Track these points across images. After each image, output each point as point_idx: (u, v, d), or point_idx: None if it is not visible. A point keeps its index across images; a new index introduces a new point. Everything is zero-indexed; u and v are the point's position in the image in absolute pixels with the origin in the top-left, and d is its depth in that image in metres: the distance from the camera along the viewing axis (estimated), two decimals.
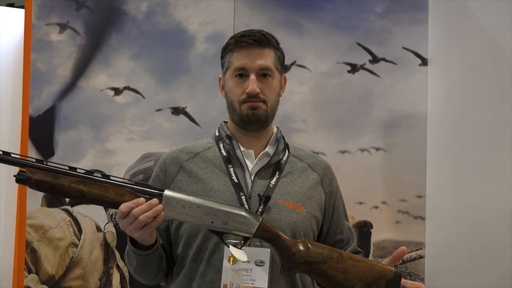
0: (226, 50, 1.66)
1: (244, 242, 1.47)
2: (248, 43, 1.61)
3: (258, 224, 1.45)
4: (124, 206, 1.41)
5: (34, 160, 1.42)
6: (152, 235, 1.49)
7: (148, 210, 1.41)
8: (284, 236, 1.48)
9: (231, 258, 1.47)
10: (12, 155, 1.41)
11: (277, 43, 1.67)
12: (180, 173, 1.64)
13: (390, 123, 2.65)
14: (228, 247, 1.47)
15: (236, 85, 1.62)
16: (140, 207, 1.40)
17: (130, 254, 1.56)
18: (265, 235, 1.47)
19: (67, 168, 1.43)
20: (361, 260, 1.49)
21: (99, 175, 1.44)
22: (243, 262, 1.49)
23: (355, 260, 1.48)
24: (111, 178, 1.45)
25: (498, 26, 2.48)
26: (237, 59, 1.62)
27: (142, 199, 1.41)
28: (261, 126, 1.63)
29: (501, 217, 2.43)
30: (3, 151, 1.41)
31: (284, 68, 1.73)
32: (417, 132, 2.62)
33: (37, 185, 1.41)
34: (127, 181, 1.45)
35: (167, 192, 1.44)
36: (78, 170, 1.43)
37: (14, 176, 1.41)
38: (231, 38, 1.66)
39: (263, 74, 1.61)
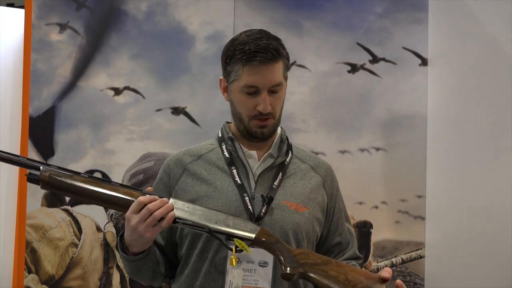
0: (234, 59, 1.58)
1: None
2: (261, 62, 1.54)
3: (259, 228, 1.48)
4: (144, 197, 1.44)
5: (56, 167, 1.46)
6: (151, 243, 1.50)
7: (161, 206, 1.44)
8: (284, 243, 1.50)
9: (233, 260, 1.48)
10: (28, 158, 1.47)
11: (284, 47, 1.61)
12: (183, 175, 1.64)
13: (390, 123, 2.65)
14: (230, 249, 1.47)
15: (246, 100, 1.58)
16: (154, 203, 1.43)
17: (123, 261, 1.57)
18: (267, 239, 1.48)
19: (80, 172, 1.48)
20: (358, 269, 1.57)
21: (110, 181, 1.49)
22: (246, 262, 1.50)
23: (352, 267, 1.55)
24: (122, 184, 1.50)
25: (498, 26, 2.48)
26: (248, 75, 1.56)
27: (156, 196, 1.45)
28: (267, 138, 1.64)
29: (501, 217, 2.43)
30: (19, 156, 1.46)
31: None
32: (417, 132, 2.62)
33: (49, 183, 1.43)
34: (139, 189, 1.49)
35: (173, 199, 1.48)
36: (91, 177, 1.48)
37: (26, 175, 1.44)
38: (240, 49, 1.56)
39: (275, 90, 1.59)
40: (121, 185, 1.48)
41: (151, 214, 1.42)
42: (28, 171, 1.44)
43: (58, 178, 1.43)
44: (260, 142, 1.64)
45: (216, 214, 1.48)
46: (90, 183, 1.45)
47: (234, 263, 1.48)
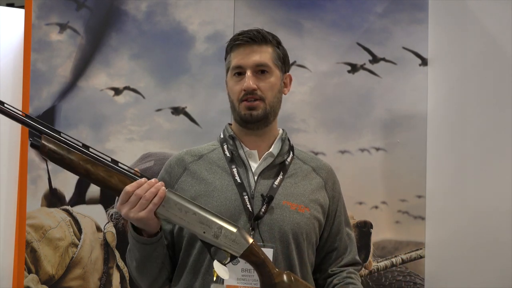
0: (226, 51, 1.67)
1: (230, 259, 1.46)
2: (244, 41, 1.61)
3: (247, 246, 1.45)
4: (129, 186, 1.43)
5: (52, 129, 1.44)
6: (156, 222, 1.48)
7: (150, 188, 1.43)
8: (271, 264, 1.47)
9: (215, 273, 1.46)
10: (34, 118, 1.44)
11: (277, 42, 1.67)
12: (184, 174, 1.64)
13: (390, 123, 2.65)
14: (213, 259, 1.46)
15: (235, 83, 1.62)
16: (142, 187, 1.43)
17: (133, 248, 1.54)
18: (252, 259, 1.46)
19: (81, 144, 1.45)
20: None
21: (109, 159, 1.46)
22: (245, 262, 1.49)
23: None
24: (119, 164, 1.47)
25: (498, 26, 2.48)
26: (234, 58, 1.63)
27: (144, 179, 1.44)
28: (262, 124, 1.63)
29: (501, 217, 2.43)
30: (26, 114, 1.44)
31: (288, 67, 1.72)
32: (417, 132, 2.62)
33: (48, 154, 1.43)
34: (133, 171, 1.47)
35: (167, 193, 1.45)
36: (90, 150, 1.46)
37: (29, 139, 1.43)
38: (231, 39, 1.66)
39: (261, 70, 1.61)
40: (120, 169, 1.46)
41: (140, 198, 1.42)
42: (30, 139, 1.43)
43: (57, 154, 1.42)
44: (255, 129, 1.62)
45: (209, 221, 1.44)
46: (88, 163, 1.43)
47: (214, 277, 1.47)
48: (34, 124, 1.43)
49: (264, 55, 1.61)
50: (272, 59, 1.63)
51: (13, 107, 1.43)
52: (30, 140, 1.43)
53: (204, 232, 1.44)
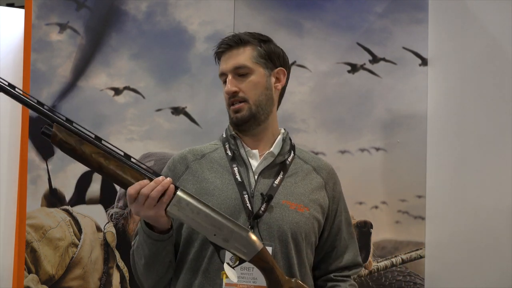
0: (216, 61, 1.71)
1: (239, 262, 1.45)
2: (224, 48, 1.65)
3: (257, 251, 1.44)
4: (131, 188, 1.40)
5: (64, 119, 1.40)
6: (167, 220, 1.47)
7: (157, 186, 1.41)
8: (279, 271, 1.47)
9: (224, 275, 1.46)
10: (44, 106, 1.39)
11: (260, 40, 1.66)
12: (186, 172, 1.65)
13: (390, 123, 2.65)
14: (223, 263, 1.45)
15: (223, 90, 1.66)
16: (149, 185, 1.40)
17: (143, 244, 1.53)
18: (261, 264, 1.45)
19: (93, 136, 1.41)
20: None
21: (121, 153, 1.43)
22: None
23: None
24: (132, 160, 1.43)
25: (498, 26, 2.48)
26: (220, 66, 1.67)
27: (146, 181, 1.41)
28: (252, 124, 1.64)
29: (501, 217, 2.43)
30: (37, 101, 1.40)
31: (279, 62, 1.69)
32: (417, 132, 2.62)
33: (59, 144, 1.39)
34: (145, 168, 1.44)
35: (179, 193, 1.43)
36: (103, 142, 1.42)
37: (41, 127, 1.40)
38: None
39: (241, 73, 1.63)
40: (132, 165, 1.42)
41: (147, 197, 1.40)
42: (42, 127, 1.40)
43: (68, 144, 1.39)
44: (247, 130, 1.64)
45: (220, 224, 1.43)
46: (101, 156, 1.40)
47: (224, 278, 1.47)
48: (46, 111, 1.39)
49: (240, 57, 1.63)
50: (251, 58, 1.63)
51: (25, 92, 1.39)
52: (42, 128, 1.39)
53: (214, 235, 1.43)
